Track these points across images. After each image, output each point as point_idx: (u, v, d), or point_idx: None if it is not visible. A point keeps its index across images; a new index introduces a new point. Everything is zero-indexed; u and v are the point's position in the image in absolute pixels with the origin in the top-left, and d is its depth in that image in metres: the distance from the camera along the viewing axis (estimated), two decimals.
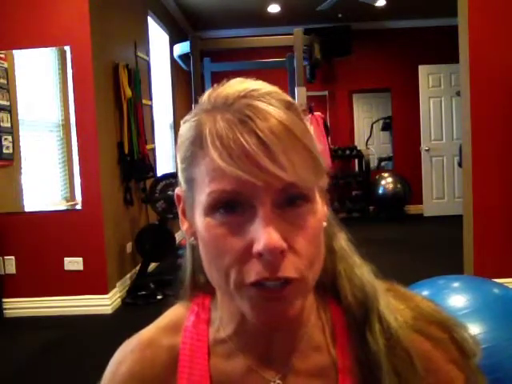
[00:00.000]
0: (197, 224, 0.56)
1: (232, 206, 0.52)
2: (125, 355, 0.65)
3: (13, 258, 3.81)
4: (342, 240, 0.65)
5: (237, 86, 0.56)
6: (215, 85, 0.57)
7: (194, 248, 0.61)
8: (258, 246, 0.50)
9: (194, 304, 0.66)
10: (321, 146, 0.58)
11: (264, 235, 0.50)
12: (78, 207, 3.84)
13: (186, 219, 0.60)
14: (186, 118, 0.58)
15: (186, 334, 0.64)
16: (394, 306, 0.62)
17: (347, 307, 0.62)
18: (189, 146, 0.55)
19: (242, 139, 0.50)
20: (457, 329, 0.63)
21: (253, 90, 0.54)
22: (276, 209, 0.51)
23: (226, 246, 0.52)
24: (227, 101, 0.54)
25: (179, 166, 0.58)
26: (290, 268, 0.51)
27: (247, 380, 0.61)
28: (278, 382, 0.60)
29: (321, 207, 0.56)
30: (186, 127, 0.56)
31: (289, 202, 0.52)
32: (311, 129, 0.57)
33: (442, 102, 7.36)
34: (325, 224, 0.59)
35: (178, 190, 0.60)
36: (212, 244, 0.53)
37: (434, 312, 0.64)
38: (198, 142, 0.53)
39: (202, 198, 0.53)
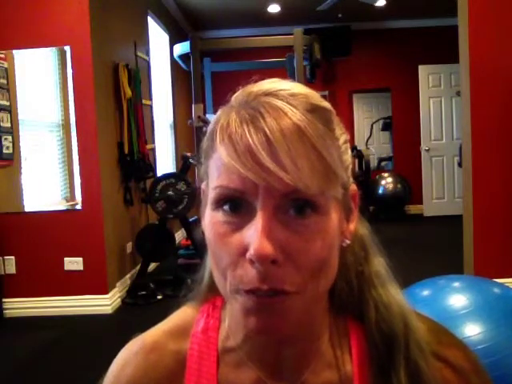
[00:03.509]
0: (205, 219, 0.54)
1: (236, 205, 0.50)
2: (129, 358, 0.62)
3: (13, 258, 3.81)
4: (378, 266, 0.61)
5: (265, 84, 0.54)
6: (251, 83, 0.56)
7: None
8: (249, 252, 0.48)
9: (205, 308, 0.64)
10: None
11: (256, 241, 0.47)
12: (78, 207, 3.84)
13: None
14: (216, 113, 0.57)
15: (194, 340, 0.61)
16: (425, 342, 0.58)
17: (371, 337, 0.58)
18: (206, 140, 0.55)
19: (248, 136, 0.48)
20: (481, 363, 0.61)
21: (280, 90, 0.52)
22: (281, 214, 0.49)
23: (225, 246, 0.50)
24: (248, 98, 0.52)
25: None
26: (283, 280, 0.48)
27: None
28: None
29: (336, 221, 0.52)
30: (211, 122, 0.56)
31: (297, 211, 0.49)
32: (343, 138, 0.55)
33: (442, 102, 7.35)
34: (347, 242, 0.56)
35: (203, 185, 0.58)
36: (213, 241, 0.52)
37: (460, 341, 0.62)
38: (211, 137, 0.53)
39: (211, 192, 0.52)
